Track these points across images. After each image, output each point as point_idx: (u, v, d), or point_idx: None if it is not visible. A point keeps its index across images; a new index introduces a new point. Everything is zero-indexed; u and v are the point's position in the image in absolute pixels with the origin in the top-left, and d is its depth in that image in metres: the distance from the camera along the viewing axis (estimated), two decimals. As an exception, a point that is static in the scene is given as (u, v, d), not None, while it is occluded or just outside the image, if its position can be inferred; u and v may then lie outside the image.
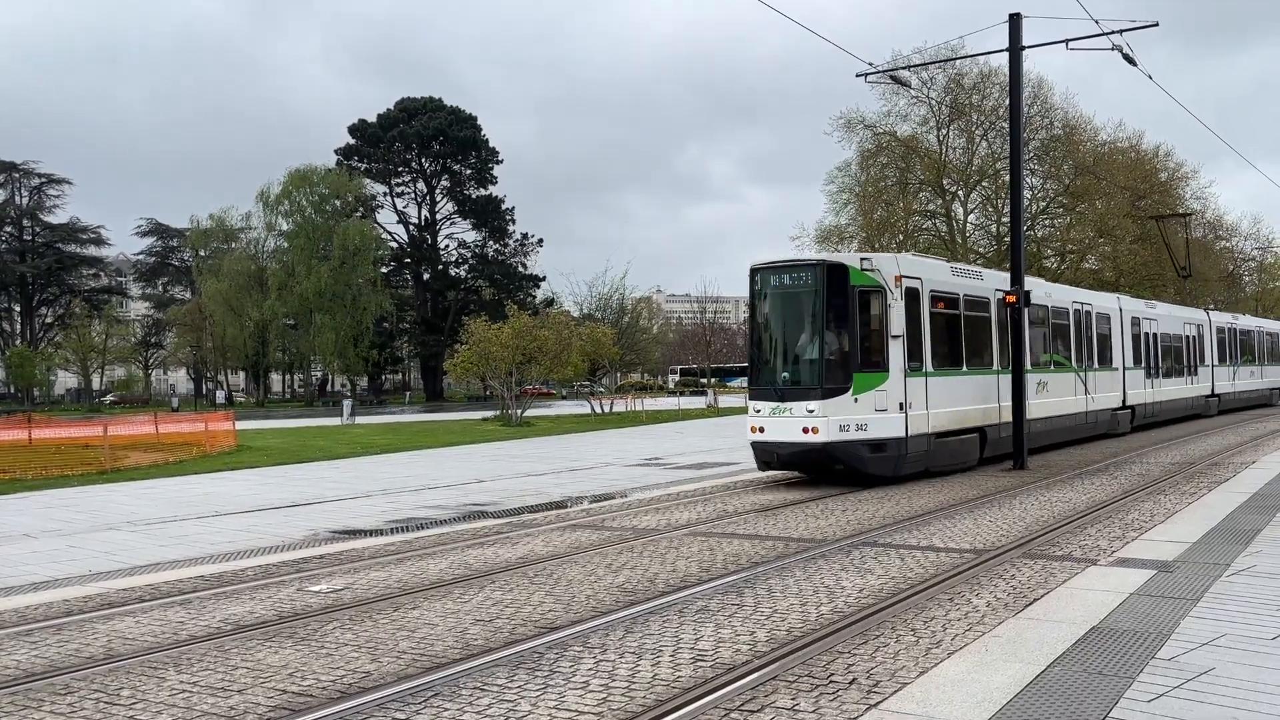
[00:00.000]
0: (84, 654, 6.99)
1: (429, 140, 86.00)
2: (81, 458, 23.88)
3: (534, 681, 5.98)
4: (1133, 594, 7.53)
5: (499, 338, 39.27)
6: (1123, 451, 21.24)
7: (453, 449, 27.36)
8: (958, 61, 45.57)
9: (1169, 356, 30.11)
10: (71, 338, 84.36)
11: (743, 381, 58.83)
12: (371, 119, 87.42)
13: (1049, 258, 55.51)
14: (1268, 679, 5.42)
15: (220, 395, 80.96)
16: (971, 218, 56.49)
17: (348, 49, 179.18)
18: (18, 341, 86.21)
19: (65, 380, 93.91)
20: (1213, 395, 34.34)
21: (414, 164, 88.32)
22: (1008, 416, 18.60)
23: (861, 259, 15.79)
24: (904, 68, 33.43)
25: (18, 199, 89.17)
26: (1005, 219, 47.99)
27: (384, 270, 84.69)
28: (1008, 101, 20.95)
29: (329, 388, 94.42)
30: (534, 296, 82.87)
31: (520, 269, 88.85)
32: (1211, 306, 45.75)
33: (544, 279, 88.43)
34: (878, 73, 21.84)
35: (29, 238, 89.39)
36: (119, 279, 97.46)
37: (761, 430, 16.01)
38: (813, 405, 15.34)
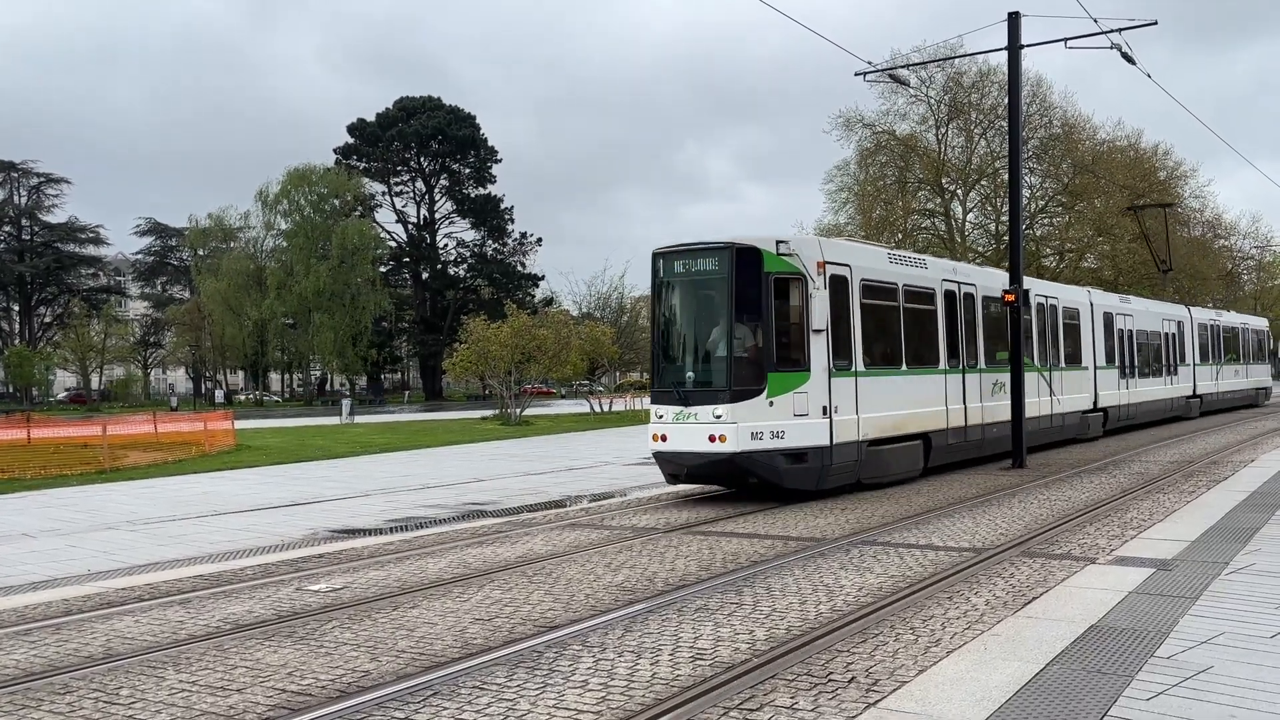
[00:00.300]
0: (83, 653, 6.99)
1: (428, 139, 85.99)
2: (80, 457, 23.88)
3: (533, 680, 5.98)
4: (1132, 592, 7.53)
5: (498, 337, 39.28)
6: (1121, 450, 21.25)
7: (452, 448, 27.36)
8: (957, 60, 45.63)
9: (1146, 355, 28.52)
10: (70, 337, 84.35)
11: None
12: (370, 118, 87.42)
13: (1048, 256, 55.56)
14: (1266, 677, 5.42)
15: (219, 395, 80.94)
16: (970, 216, 56.56)
17: (347, 48, 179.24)
18: (16, 341, 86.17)
19: (64, 380, 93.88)
20: (1194, 396, 32.77)
21: (413, 163, 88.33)
22: (958, 420, 17.49)
23: (778, 242, 13.76)
24: (903, 66, 33.46)
25: (16, 198, 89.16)
26: (1004, 218, 47.99)
27: (383, 269, 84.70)
28: (1006, 100, 20.98)
29: (328, 387, 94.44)
30: (533, 295, 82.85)
31: (519, 268, 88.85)
32: (1211, 305, 45.69)
33: (543, 278, 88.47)
34: (877, 71, 21.85)
35: (28, 237, 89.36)
36: (118, 278, 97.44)
37: (664, 439, 14.07)
38: (720, 410, 13.49)
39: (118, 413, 57.29)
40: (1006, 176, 24.59)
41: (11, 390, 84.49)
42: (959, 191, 55.74)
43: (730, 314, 13.78)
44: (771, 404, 13.54)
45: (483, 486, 17.65)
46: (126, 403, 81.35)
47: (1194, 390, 32.62)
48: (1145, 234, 40.98)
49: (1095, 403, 24.29)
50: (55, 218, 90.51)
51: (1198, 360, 33.21)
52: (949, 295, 17.66)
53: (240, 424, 33.56)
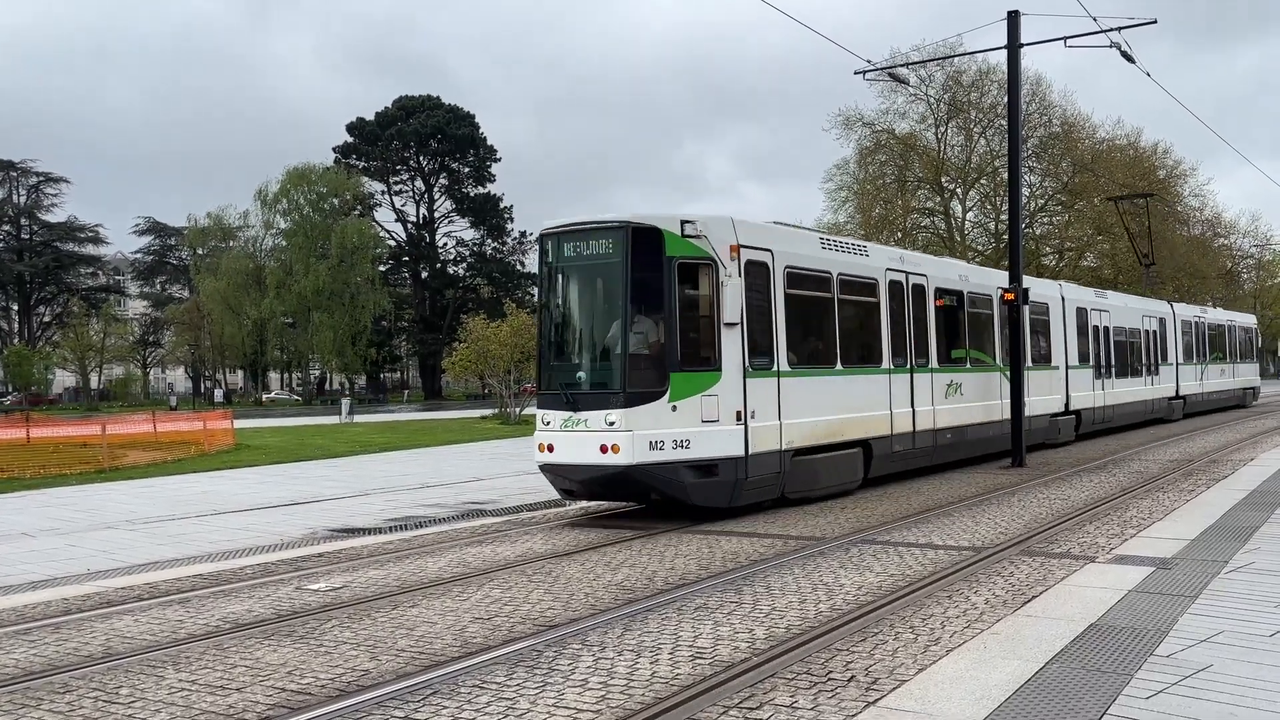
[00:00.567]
0: (82, 652, 6.99)
1: (427, 138, 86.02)
2: (80, 456, 23.88)
3: (533, 679, 5.98)
4: (1131, 591, 7.53)
5: (497, 336, 39.26)
6: (1120, 450, 21.25)
7: (451, 447, 27.35)
8: (956, 59, 45.66)
9: (1124, 353, 26.81)
10: (69, 336, 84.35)
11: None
12: (369, 117, 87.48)
13: (1047, 255, 55.62)
14: (1266, 675, 5.42)
15: (219, 394, 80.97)
16: (970, 215, 56.66)
17: (346, 48, 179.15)
18: (15, 340, 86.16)
19: (63, 379, 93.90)
20: (1177, 397, 31.08)
21: (412, 162, 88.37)
22: (905, 425, 15.92)
23: (683, 221, 12.05)
24: (902, 65, 33.39)
25: (15, 197, 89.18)
26: (1004, 216, 48.01)
27: (382, 269, 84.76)
28: (1006, 99, 20.97)
29: (327, 386, 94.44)
30: (532, 294, 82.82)
31: (519, 267, 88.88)
32: (1210, 304, 45.62)
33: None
34: (876, 70, 21.84)
35: (27, 236, 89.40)
36: (117, 278, 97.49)
37: (550, 449, 12.43)
38: (613, 416, 11.79)
39: (117, 412, 57.29)
40: (1006, 175, 24.52)
41: (11, 390, 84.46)
42: (958, 190, 55.82)
43: (625, 304, 11.98)
44: (675, 409, 11.87)
45: (482, 485, 17.64)
46: (126, 402, 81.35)
47: (1177, 391, 31.15)
48: (1126, 226, 39.61)
49: (1067, 405, 22.69)
50: (54, 217, 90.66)
51: (1181, 359, 31.76)
52: (895, 286, 16.04)
53: (239, 423, 33.56)
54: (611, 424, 11.79)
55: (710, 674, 5.98)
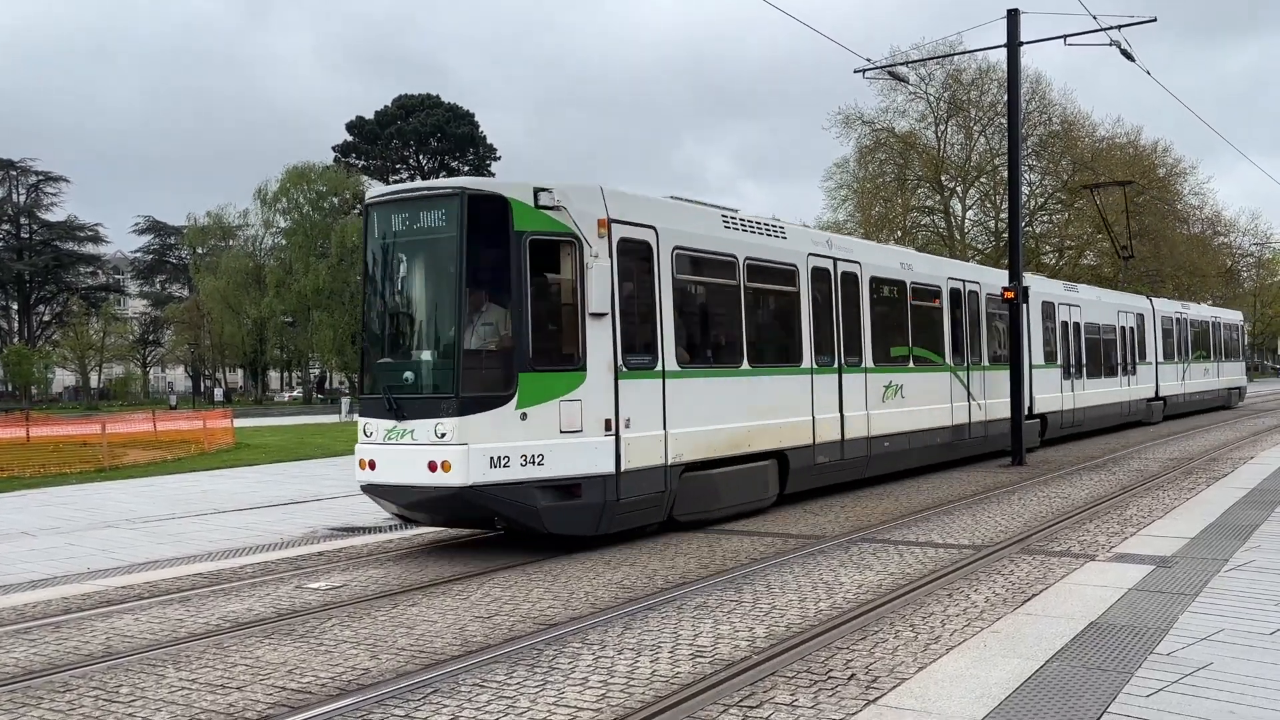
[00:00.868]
0: (83, 651, 6.99)
1: (427, 137, 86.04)
2: (80, 455, 23.89)
3: (533, 678, 5.98)
4: (1131, 589, 7.54)
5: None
6: (1121, 448, 21.26)
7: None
8: (956, 57, 45.58)
9: (1097, 352, 25.02)
10: (69, 336, 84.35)
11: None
12: (369, 116, 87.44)
13: (1047, 253, 55.64)
14: (1266, 674, 5.42)
15: (219, 393, 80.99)
16: (970, 214, 56.69)
17: (346, 47, 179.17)
18: (15, 340, 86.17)
19: (63, 378, 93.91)
20: (1156, 398, 29.31)
21: (412, 161, 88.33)
22: (831, 433, 14.01)
23: (537, 190, 10.03)
24: (902, 63, 33.34)
25: (15, 197, 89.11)
26: (1003, 215, 48.02)
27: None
28: (1006, 97, 20.96)
29: (327, 385, 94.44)
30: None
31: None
32: (1210, 302, 45.59)
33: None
34: (876, 69, 21.82)
35: (26, 235, 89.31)
36: (116, 277, 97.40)
37: (372, 466, 10.37)
38: (444, 425, 9.68)
39: (117, 411, 57.30)
40: (1006, 173, 24.48)
41: (11, 389, 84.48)
42: (958, 189, 55.84)
43: (460, 289, 9.93)
44: (525, 416, 9.81)
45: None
46: (126, 401, 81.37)
47: (1156, 392, 29.43)
48: (1103, 216, 37.90)
49: (1030, 408, 20.52)
50: (54, 216, 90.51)
51: (1161, 358, 30.09)
52: (820, 275, 14.11)
53: (239, 422, 33.56)
54: (442, 436, 9.71)
55: (710, 672, 5.99)
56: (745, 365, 12.49)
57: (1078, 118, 54.54)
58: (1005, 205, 41.67)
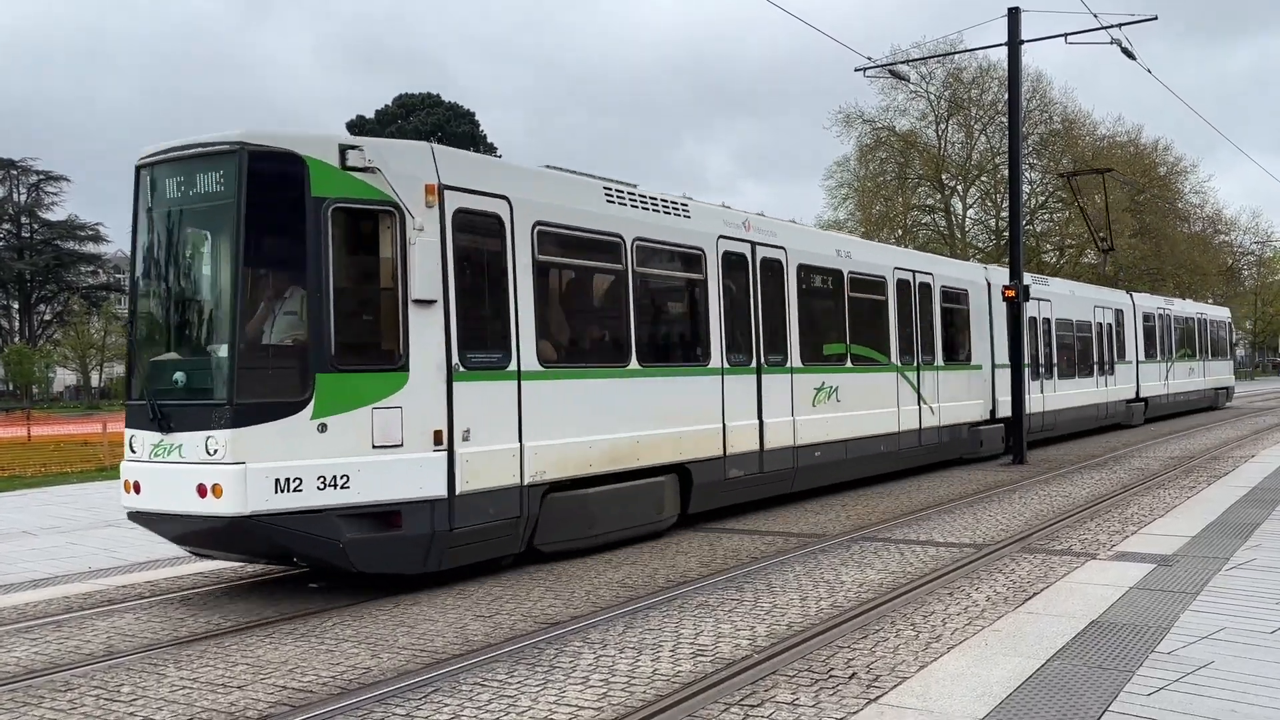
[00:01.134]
0: (84, 650, 6.99)
1: (427, 136, 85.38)
2: (81, 455, 23.90)
3: (534, 677, 5.98)
4: (1132, 588, 7.54)
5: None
6: (1122, 446, 21.26)
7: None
8: (956, 56, 45.54)
9: (1070, 350, 23.41)
10: (70, 335, 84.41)
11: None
12: (370, 115, 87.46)
13: (1048, 252, 55.61)
14: (1267, 672, 5.42)
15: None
16: (971, 212, 56.67)
17: (346, 47, 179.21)
18: (16, 339, 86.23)
19: (64, 378, 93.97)
20: (1136, 399, 27.78)
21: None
22: (747, 442, 12.19)
23: (344, 147, 8.19)
24: (903, 62, 33.32)
25: (15, 196, 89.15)
26: (1004, 214, 48.02)
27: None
28: (1007, 96, 20.95)
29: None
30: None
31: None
32: (1211, 300, 45.55)
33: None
34: (877, 67, 21.82)
35: (27, 235, 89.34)
36: (117, 276, 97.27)
37: (137, 489, 8.36)
38: (217, 440, 7.81)
39: (118, 410, 57.31)
40: (1007, 172, 24.45)
41: (11, 389, 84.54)
42: (959, 187, 55.82)
43: (238, 268, 7.99)
44: (324, 428, 7.93)
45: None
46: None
47: (1137, 393, 27.84)
48: (1082, 209, 36.06)
49: (993, 411, 19.14)
50: (55, 215, 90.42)
51: (1142, 356, 28.46)
52: (734, 260, 12.32)
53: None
54: (214, 452, 7.81)
55: (711, 671, 5.99)
56: (633, 365, 10.64)
57: (1078, 116, 54.59)
58: (1006, 204, 41.69)
